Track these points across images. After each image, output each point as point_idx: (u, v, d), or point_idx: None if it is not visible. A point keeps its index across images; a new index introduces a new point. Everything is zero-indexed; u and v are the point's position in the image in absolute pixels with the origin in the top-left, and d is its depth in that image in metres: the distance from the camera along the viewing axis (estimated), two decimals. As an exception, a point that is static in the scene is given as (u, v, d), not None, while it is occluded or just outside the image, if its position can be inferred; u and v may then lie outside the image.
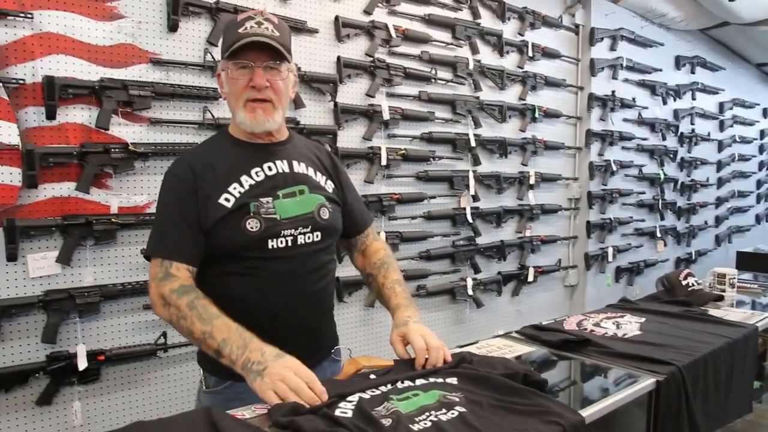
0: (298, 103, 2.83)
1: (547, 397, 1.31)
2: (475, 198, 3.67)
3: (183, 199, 1.46)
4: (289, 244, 1.49)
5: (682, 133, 5.40)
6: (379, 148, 3.14)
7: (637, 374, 1.56)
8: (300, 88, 2.83)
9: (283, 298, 1.50)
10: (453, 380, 1.39)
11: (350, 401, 1.28)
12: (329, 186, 1.63)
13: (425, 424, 1.18)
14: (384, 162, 3.16)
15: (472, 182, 3.61)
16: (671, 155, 5.27)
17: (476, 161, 3.67)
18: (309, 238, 1.52)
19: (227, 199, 1.45)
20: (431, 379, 1.40)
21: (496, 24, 3.81)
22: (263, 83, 1.44)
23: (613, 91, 4.55)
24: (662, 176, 5.13)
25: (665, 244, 5.27)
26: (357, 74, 3.08)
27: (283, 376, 1.24)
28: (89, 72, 2.25)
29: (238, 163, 1.50)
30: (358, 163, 3.11)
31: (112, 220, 2.29)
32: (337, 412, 1.21)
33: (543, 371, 1.63)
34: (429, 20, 3.40)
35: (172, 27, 2.42)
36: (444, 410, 1.23)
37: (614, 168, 4.55)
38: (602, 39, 4.44)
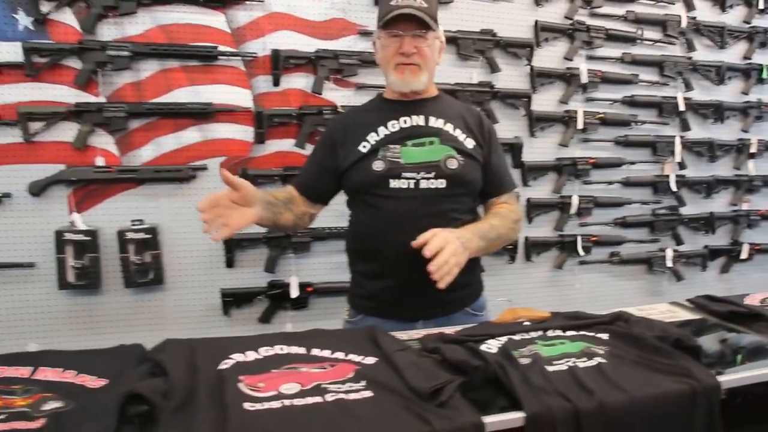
0: (493, 67, 2.95)
1: (690, 360, 1.29)
2: (682, 165, 3.46)
3: (322, 147, 1.82)
4: (411, 186, 1.66)
5: None
6: (575, 112, 3.13)
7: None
8: (495, 52, 2.95)
9: (399, 235, 1.58)
10: (604, 336, 1.45)
11: (499, 340, 1.40)
12: (469, 143, 1.73)
13: (561, 367, 1.26)
14: (580, 126, 3.14)
15: (678, 148, 3.41)
16: None
17: (685, 126, 3.44)
18: (433, 184, 1.66)
19: (364, 146, 1.70)
20: (582, 332, 1.47)
21: (720, -25, 3.48)
22: (411, 50, 1.64)
23: None
24: None
25: None
26: (555, 38, 3.08)
27: None
28: (307, 44, 2.62)
29: (380, 117, 1.73)
30: (552, 126, 3.14)
31: (323, 172, 2.66)
32: (483, 347, 1.36)
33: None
34: (637, -23, 3.24)
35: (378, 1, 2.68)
36: (585, 359, 1.30)
37: None
38: None
